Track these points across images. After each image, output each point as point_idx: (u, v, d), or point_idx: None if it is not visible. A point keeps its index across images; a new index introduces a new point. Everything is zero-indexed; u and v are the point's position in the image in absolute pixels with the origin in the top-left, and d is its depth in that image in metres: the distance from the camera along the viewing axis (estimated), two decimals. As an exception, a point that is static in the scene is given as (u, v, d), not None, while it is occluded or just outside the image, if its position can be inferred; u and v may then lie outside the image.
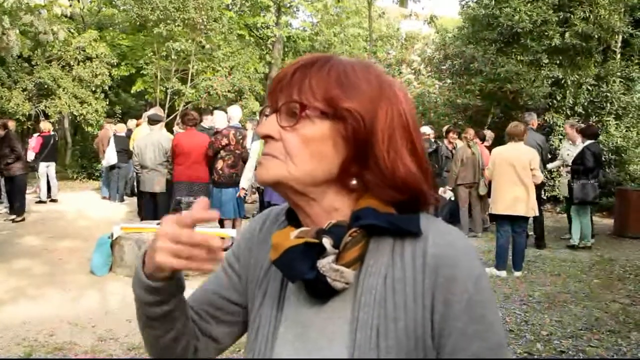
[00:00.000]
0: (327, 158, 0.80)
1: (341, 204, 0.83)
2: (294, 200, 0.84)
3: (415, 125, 0.84)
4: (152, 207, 7.34)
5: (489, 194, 7.02)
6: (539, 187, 7.47)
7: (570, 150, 8.14)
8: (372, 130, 0.79)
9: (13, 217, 9.00)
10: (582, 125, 8.31)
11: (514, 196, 5.93)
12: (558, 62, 11.41)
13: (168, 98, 15.32)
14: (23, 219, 8.93)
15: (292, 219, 0.88)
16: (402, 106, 0.83)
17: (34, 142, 10.83)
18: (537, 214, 6.40)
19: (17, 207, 8.98)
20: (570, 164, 7.79)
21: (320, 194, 0.82)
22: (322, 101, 0.78)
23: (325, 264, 0.78)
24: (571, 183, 7.42)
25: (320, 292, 0.80)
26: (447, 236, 0.81)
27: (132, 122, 12.08)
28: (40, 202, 10.82)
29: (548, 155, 7.70)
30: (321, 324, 0.82)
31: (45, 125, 11.15)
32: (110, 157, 11.03)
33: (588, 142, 7.42)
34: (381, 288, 0.78)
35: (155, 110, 8.16)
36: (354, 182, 0.81)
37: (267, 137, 0.81)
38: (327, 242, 0.78)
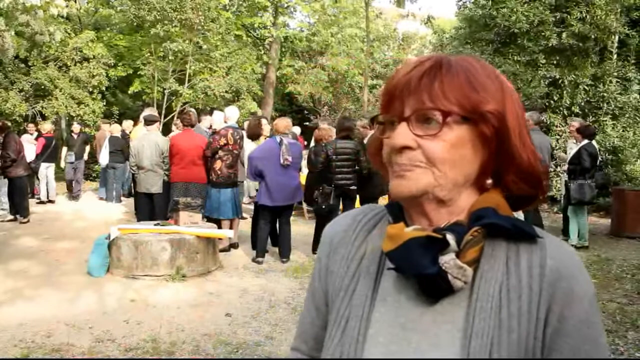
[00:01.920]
0: (468, 162, 0.79)
1: (467, 204, 0.81)
2: (423, 206, 0.81)
3: (522, 107, 0.85)
4: (148, 207, 7.33)
5: None
6: None
7: (573, 149, 8.16)
8: (507, 129, 0.79)
9: (10, 218, 8.98)
10: (586, 124, 8.35)
11: None
12: (555, 62, 11.43)
13: (165, 99, 15.30)
14: (28, 221, 8.91)
15: (396, 217, 0.85)
16: (515, 94, 0.83)
17: (36, 143, 10.85)
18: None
19: (21, 209, 8.95)
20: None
21: (455, 197, 0.80)
22: (459, 105, 0.77)
23: (448, 260, 0.75)
24: (568, 183, 7.44)
25: (435, 290, 0.77)
26: (565, 250, 0.80)
27: (126, 123, 12.07)
28: (41, 202, 10.81)
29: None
30: (424, 327, 0.78)
31: (46, 127, 11.16)
32: (102, 157, 11.06)
33: (584, 142, 7.45)
34: (497, 296, 0.76)
35: (150, 111, 8.14)
36: (490, 181, 0.81)
37: (404, 149, 0.78)
38: (451, 238, 0.76)
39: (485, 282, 0.77)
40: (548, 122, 11.27)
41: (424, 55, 0.83)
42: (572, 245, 7.46)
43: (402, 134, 0.78)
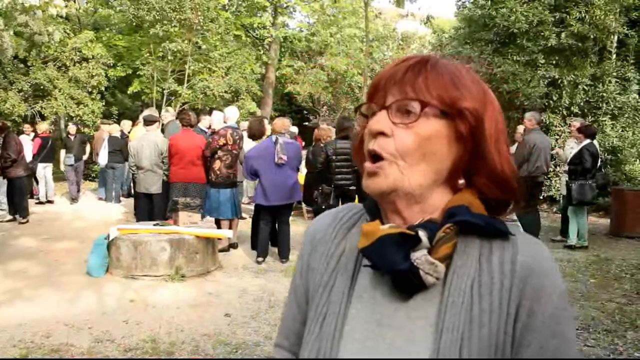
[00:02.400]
0: (440, 157, 0.80)
1: (440, 203, 0.82)
2: (395, 204, 0.83)
3: (503, 121, 0.87)
4: (148, 207, 7.33)
5: None
6: (535, 187, 7.50)
7: (574, 149, 8.16)
8: (484, 131, 0.81)
9: (9, 218, 8.98)
10: (587, 124, 8.36)
11: None
12: (554, 62, 11.44)
13: (164, 99, 15.29)
14: (27, 221, 8.91)
15: (373, 215, 0.87)
16: (497, 106, 0.85)
17: (32, 143, 10.83)
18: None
19: (20, 209, 8.94)
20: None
21: (426, 194, 0.82)
22: (440, 100, 0.79)
23: (420, 256, 0.77)
24: (569, 184, 7.45)
25: (408, 286, 0.79)
26: (536, 246, 0.81)
27: (124, 124, 12.06)
28: (40, 203, 10.81)
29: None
30: (399, 323, 0.79)
31: (42, 127, 11.13)
32: (101, 157, 11.06)
33: (586, 142, 7.45)
34: (468, 292, 0.77)
35: (150, 111, 8.14)
36: (462, 181, 0.83)
37: (379, 134, 0.80)
38: (423, 234, 0.78)
39: (457, 277, 0.78)
40: (547, 122, 11.28)
41: (412, 54, 0.86)
42: (571, 245, 7.48)
43: (380, 120, 0.80)
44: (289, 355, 0.97)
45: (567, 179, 7.73)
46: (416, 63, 0.81)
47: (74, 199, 11.16)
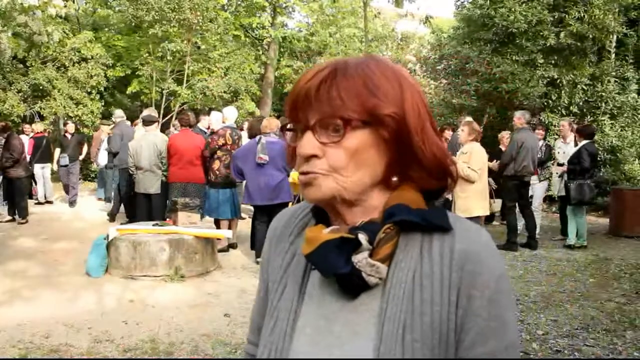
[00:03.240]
0: (372, 164, 0.82)
1: (379, 203, 0.84)
2: (335, 208, 0.85)
3: (426, 101, 0.87)
4: (146, 207, 7.33)
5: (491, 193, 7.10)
6: (523, 187, 7.46)
7: (561, 148, 8.18)
8: (408, 126, 0.81)
9: (8, 218, 8.98)
10: (578, 124, 8.37)
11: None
12: (553, 62, 11.45)
13: (164, 99, 15.28)
14: (26, 221, 8.90)
15: (320, 217, 0.89)
16: (416, 89, 0.85)
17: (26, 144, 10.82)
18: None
19: (20, 209, 8.94)
20: (560, 162, 7.83)
21: (364, 197, 0.84)
22: (358, 112, 0.79)
23: (361, 259, 0.79)
24: (568, 183, 7.44)
25: (352, 287, 0.81)
26: (473, 232, 0.83)
27: None
28: (39, 203, 10.79)
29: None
30: (346, 317, 0.82)
31: (37, 127, 11.12)
32: (100, 157, 11.05)
33: (585, 142, 7.44)
34: (410, 282, 0.79)
35: (149, 111, 8.14)
36: (395, 179, 0.84)
37: (310, 157, 0.81)
38: (362, 237, 0.80)
39: (399, 271, 0.80)
40: (546, 122, 11.29)
41: (325, 62, 0.86)
42: (570, 245, 7.48)
43: (308, 143, 0.81)
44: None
45: (559, 178, 7.77)
46: (327, 75, 0.81)
47: (71, 203, 10.61)
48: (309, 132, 0.81)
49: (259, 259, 6.38)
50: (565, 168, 7.66)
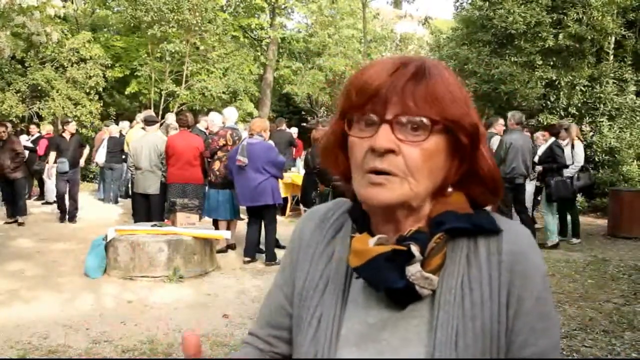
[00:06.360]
0: (441, 171, 0.80)
1: (427, 211, 0.83)
2: (395, 213, 0.81)
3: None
4: (145, 208, 7.32)
5: None
6: (516, 190, 7.42)
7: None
8: (479, 137, 0.81)
9: (11, 220, 8.97)
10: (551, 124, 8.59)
11: None
12: (552, 63, 11.47)
13: (162, 99, 15.29)
14: (24, 222, 8.89)
15: (359, 222, 0.87)
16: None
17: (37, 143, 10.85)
18: None
19: (19, 210, 8.92)
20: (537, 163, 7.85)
21: (423, 204, 0.82)
22: (444, 117, 0.77)
23: (415, 272, 0.77)
24: (548, 181, 7.52)
25: (405, 298, 0.80)
26: (518, 233, 0.83)
27: (123, 124, 12.05)
28: (47, 203, 10.79)
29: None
30: (395, 325, 0.80)
31: (48, 128, 11.18)
32: (99, 156, 11.06)
33: (553, 139, 7.56)
34: (459, 288, 0.78)
35: (149, 112, 8.15)
36: (450, 189, 0.83)
37: (387, 152, 0.77)
38: (415, 249, 0.78)
39: (448, 276, 0.79)
40: (545, 123, 11.30)
41: (403, 57, 0.83)
42: (550, 244, 7.48)
43: (386, 136, 0.76)
44: (261, 344, 0.99)
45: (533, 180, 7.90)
46: (415, 72, 0.78)
47: (71, 218, 9.04)
48: (386, 126, 0.76)
49: (246, 258, 6.35)
50: (540, 168, 7.73)
